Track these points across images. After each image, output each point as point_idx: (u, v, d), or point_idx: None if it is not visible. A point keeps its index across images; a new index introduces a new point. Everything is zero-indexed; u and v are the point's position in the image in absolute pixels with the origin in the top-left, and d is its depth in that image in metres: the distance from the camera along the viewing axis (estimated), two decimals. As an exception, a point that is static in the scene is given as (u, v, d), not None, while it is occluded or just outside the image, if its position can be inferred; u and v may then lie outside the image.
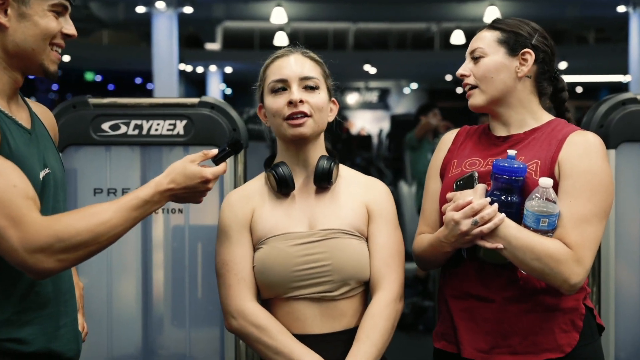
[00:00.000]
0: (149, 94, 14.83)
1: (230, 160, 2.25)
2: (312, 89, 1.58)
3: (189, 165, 1.41)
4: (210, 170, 1.42)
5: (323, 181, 1.58)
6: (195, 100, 2.31)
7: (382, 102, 21.40)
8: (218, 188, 2.26)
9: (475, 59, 1.63)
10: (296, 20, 14.29)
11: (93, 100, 2.28)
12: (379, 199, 1.63)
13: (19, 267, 1.24)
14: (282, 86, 1.58)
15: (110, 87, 19.34)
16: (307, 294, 1.54)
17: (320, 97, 1.58)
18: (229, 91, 20.09)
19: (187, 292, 2.30)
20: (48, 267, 1.23)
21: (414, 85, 20.97)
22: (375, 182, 1.68)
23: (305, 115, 1.55)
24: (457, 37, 12.96)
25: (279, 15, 11.27)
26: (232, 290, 1.56)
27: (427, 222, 1.69)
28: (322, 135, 1.65)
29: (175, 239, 2.35)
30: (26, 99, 1.44)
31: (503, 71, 1.60)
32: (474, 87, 1.63)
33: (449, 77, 17.82)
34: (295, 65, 1.58)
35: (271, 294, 1.57)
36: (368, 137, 14.00)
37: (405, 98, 21.12)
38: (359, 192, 1.62)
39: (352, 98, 21.47)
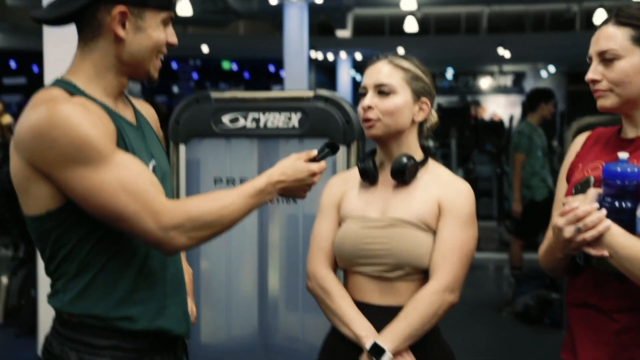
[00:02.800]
0: (282, 82, 15.21)
1: (344, 153, 2.32)
2: (386, 94, 1.73)
3: (297, 161, 1.55)
4: (317, 165, 1.56)
5: (397, 176, 1.73)
6: (310, 93, 2.38)
7: (517, 87, 20.65)
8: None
9: (607, 61, 1.54)
10: (427, 5, 14.10)
11: (215, 95, 2.42)
12: (452, 197, 1.73)
13: (154, 245, 1.37)
14: (364, 92, 1.77)
15: (246, 75, 20.04)
16: (368, 270, 1.72)
17: (393, 101, 1.73)
18: (358, 77, 20.20)
19: (300, 279, 2.38)
20: (180, 244, 1.36)
21: (552, 69, 20.04)
22: (457, 181, 1.78)
23: (373, 120, 1.73)
24: (600, 16, 12.22)
25: (409, 1, 11.16)
26: (312, 257, 1.80)
27: None
28: (411, 133, 1.77)
29: (290, 228, 2.44)
30: (129, 96, 1.56)
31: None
32: (606, 90, 1.56)
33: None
34: (374, 73, 1.75)
35: (343, 265, 1.78)
36: (500, 123, 13.56)
37: (543, 82, 20.24)
38: (436, 189, 1.75)
39: (485, 82, 20.88)
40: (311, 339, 2.36)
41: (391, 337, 1.65)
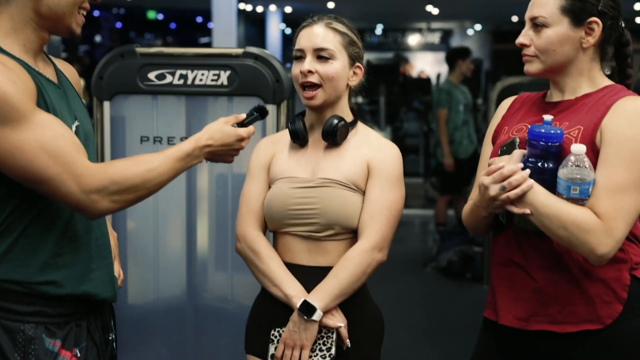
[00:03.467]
0: (210, 33, 14.85)
1: (274, 112, 2.30)
2: (326, 59, 1.72)
3: (225, 125, 1.52)
4: (245, 130, 1.54)
5: (328, 138, 1.74)
6: (240, 50, 2.33)
7: (445, 44, 20.88)
8: (260, 137, 2.30)
9: (537, 27, 1.57)
10: (357, -41, 13.97)
11: (140, 50, 2.33)
12: (382, 158, 1.75)
13: (75, 209, 1.34)
14: (300, 55, 1.74)
15: (172, 25, 19.46)
16: (298, 231, 1.74)
17: (334, 66, 1.73)
18: (288, 31, 19.97)
19: (229, 238, 2.37)
20: (103, 208, 1.33)
21: (478, 27, 20.34)
22: (386, 144, 1.80)
23: (314, 84, 1.72)
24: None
25: (339, -46, 11.02)
26: (241, 219, 1.80)
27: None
28: (343, 97, 1.78)
29: (219, 187, 2.41)
30: (50, 56, 1.50)
31: (567, 43, 1.55)
32: (533, 56, 1.59)
33: (515, 19, 17.20)
34: (312, 37, 1.73)
35: (272, 227, 1.79)
36: (427, 80, 13.73)
37: (469, 40, 20.53)
38: (365, 150, 1.76)
39: (413, 39, 20.99)
40: (241, 299, 2.36)
41: (321, 296, 1.68)
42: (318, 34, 1.73)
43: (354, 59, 1.77)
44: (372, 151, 1.76)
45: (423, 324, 4.10)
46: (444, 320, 4.14)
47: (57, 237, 1.38)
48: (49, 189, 1.30)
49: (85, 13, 1.42)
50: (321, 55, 1.72)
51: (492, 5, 16.23)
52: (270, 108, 2.30)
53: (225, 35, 10.25)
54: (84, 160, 1.32)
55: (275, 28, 17.95)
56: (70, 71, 1.56)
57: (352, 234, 1.75)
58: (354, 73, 1.78)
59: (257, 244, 1.77)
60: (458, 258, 4.92)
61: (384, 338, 1.81)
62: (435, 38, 21.13)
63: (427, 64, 19.66)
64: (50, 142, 1.28)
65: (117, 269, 1.65)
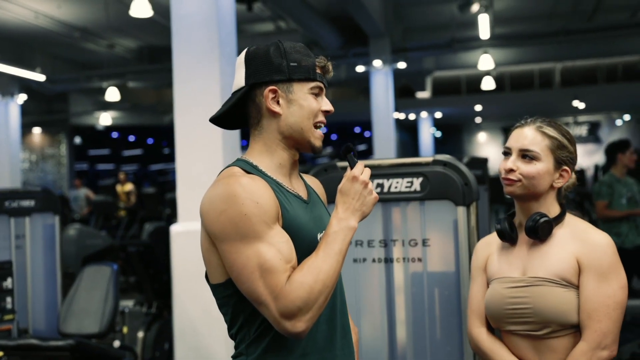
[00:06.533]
0: (366, 140, 15.30)
1: (464, 213, 2.29)
2: (530, 159, 1.72)
3: (341, 185, 1.45)
4: (353, 171, 1.44)
5: (531, 235, 1.70)
6: (429, 159, 2.37)
7: (593, 135, 19.97)
8: (453, 237, 2.30)
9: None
10: (502, 64, 13.98)
11: (341, 164, 2.45)
12: (590, 251, 1.65)
13: (280, 332, 1.34)
14: (507, 152, 1.77)
15: (333, 137, 20.31)
16: (517, 329, 1.69)
17: (536, 167, 1.71)
18: (438, 134, 20.11)
19: (426, 331, 2.34)
20: (302, 330, 1.31)
21: (627, 117, 19.30)
22: (594, 234, 1.68)
23: (514, 180, 1.72)
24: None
25: (486, 62, 11.11)
26: (468, 320, 1.83)
27: None
28: (549, 195, 1.74)
29: (414, 285, 2.41)
30: (301, 174, 1.59)
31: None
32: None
33: (665, 106, 16.16)
34: (521, 137, 1.74)
35: (495, 325, 1.76)
36: (580, 172, 13.07)
37: (618, 130, 19.50)
38: (572, 244, 1.68)
39: (560, 133, 20.30)
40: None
41: None
42: (526, 136, 1.72)
43: (560, 163, 1.73)
44: (579, 244, 1.67)
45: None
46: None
47: (305, 338, 1.41)
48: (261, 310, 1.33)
49: (322, 127, 1.49)
50: (525, 155, 1.71)
51: (638, 95, 15.40)
52: (461, 210, 2.33)
53: (384, 141, 10.57)
54: (287, 285, 1.31)
55: (426, 132, 18.18)
56: (317, 184, 1.64)
57: (575, 329, 1.65)
58: (561, 175, 1.74)
59: (480, 342, 1.77)
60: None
61: None
62: (582, 130, 20.28)
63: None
64: (266, 261, 1.31)
65: None
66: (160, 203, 10.68)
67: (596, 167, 10.59)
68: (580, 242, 1.67)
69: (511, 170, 1.71)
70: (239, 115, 1.51)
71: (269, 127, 1.46)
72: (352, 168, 1.45)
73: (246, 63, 1.46)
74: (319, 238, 1.45)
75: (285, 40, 1.50)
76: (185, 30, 3.84)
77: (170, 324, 4.32)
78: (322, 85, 1.49)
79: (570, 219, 1.74)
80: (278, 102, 1.45)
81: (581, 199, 9.07)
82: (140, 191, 12.17)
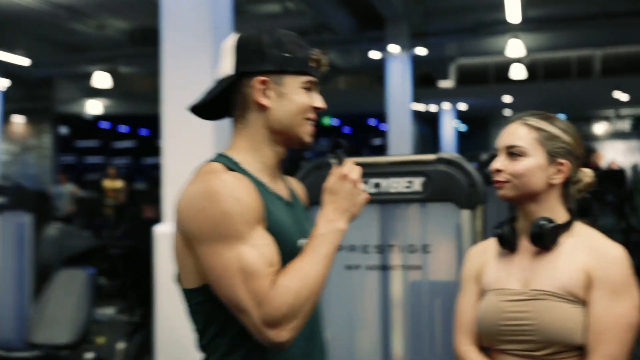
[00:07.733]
0: (382, 134, 15.26)
1: (469, 217, 2.30)
2: (516, 155, 1.69)
3: (328, 184, 1.47)
4: (342, 169, 1.47)
5: (536, 241, 1.66)
6: (432, 156, 2.38)
7: (637, 131, 19.80)
8: (456, 243, 2.31)
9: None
10: (534, 51, 13.90)
11: (334, 162, 2.46)
12: (602, 265, 1.61)
13: (262, 342, 1.34)
14: (496, 153, 1.75)
15: (346, 130, 20.31)
16: (513, 349, 1.63)
17: (523, 163, 1.68)
18: (463, 128, 20.04)
19: (426, 348, 2.35)
20: (286, 339, 1.33)
21: (675, 110, 19.13)
22: (607, 246, 1.65)
23: (503, 181, 1.70)
24: None
25: (515, 48, 11.06)
26: (455, 336, 1.78)
27: None
28: (551, 196, 1.70)
29: (413, 295, 2.42)
30: (283, 175, 1.60)
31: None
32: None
33: None
34: (505, 134, 1.73)
35: (486, 343, 1.71)
36: (620, 172, 12.98)
37: (665, 125, 19.32)
38: (582, 255, 1.64)
39: (600, 128, 20.16)
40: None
41: None
42: (513, 132, 1.71)
43: (554, 155, 1.68)
44: (591, 256, 1.62)
45: None
46: None
47: (284, 355, 1.42)
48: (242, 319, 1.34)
49: (313, 123, 1.52)
50: (512, 152, 1.69)
51: (690, 86, 15.26)
52: (465, 213, 2.33)
53: (400, 135, 10.56)
54: (271, 291, 1.32)
55: (448, 125, 18.13)
56: (299, 188, 1.65)
57: (577, 351, 1.60)
58: (558, 170, 1.68)
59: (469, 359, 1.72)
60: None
61: None
62: (625, 125, 20.12)
63: (617, 153, 18.68)
64: (248, 264, 1.32)
65: None
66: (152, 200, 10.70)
67: (635, 168, 10.51)
68: (591, 254, 1.63)
69: (498, 171, 1.70)
70: (221, 105, 1.52)
71: (256, 121, 1.48)
72: (340, 165, 1.48)
73: (237, 50, 1.48)
74: (299, 244, 1.46)
75: (279, 28, 1.52)
76: (175, 11, 3.84)
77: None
78: (315, 79, 1.51)
79: (581, 228, 1.70)
80: (267, 95, 1.47)
81: (621, 202, 9.01)
82: (131, 187, 12.23)
